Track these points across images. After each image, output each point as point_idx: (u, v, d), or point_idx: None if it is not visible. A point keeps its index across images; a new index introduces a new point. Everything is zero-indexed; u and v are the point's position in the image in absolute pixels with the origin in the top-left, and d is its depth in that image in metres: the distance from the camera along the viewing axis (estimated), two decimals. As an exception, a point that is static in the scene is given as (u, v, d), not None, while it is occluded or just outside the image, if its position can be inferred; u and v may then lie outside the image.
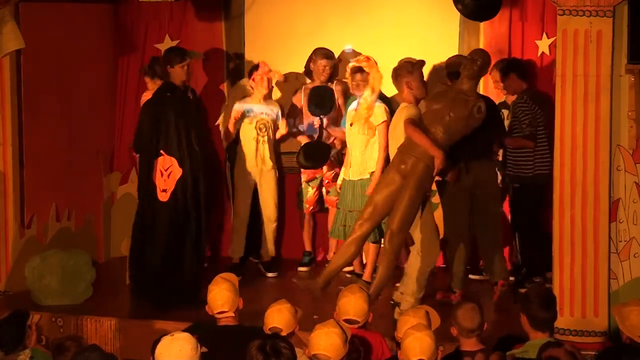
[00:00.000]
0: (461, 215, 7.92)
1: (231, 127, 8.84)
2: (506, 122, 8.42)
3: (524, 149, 8.26)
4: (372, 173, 8.19)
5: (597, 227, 6.93)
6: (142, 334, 7.16)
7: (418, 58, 7.92)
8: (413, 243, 7.58)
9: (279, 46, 9.31)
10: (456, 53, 8.77)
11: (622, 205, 6.97)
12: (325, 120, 8.71)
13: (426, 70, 7.91)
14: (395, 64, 7.86)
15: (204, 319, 5.90)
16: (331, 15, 9.23)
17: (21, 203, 8.55)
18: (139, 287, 8.11)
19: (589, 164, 6.91)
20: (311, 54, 8.94)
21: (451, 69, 8.32)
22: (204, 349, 4.80)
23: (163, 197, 7.96)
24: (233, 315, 5.69)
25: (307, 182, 9.01)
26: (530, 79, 8.56)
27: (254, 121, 8.78)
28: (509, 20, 8.80)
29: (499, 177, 8.43)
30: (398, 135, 7.53)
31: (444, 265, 8.63)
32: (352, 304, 5.72)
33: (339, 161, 8.82)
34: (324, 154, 8.70)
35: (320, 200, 9.07)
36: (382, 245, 7.79)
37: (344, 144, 8.70)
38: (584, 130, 6.90)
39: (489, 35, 8.86)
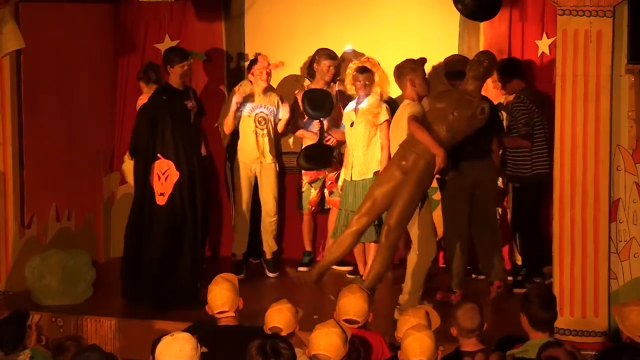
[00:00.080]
0: (461, 215, 7.92)
1: (226, 129, 8.81)
2: (504, 123, 8.42)
3: (521, 149, 8.27)
4: (375, 173, 8.20)
5: (597, 227, 6.93)
6: (142, 334, 7.17)
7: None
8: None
9: (279, 46, 9.31)
10: (456, 53, 8.79)
11: (622, 205, 6.97)
12: (325, 123, 8.72)
13: (426, 70, 7.90)
14: (394, 64, 7.85)
15: (204, 319, 5.90)
16: (331, 16, 9.23)
17: (21, 203, 8.55)
18: (133, 290, 8.09)
19: (589, 164, 6.91)
20: (314, 55, 8.94)
21: (450, 68, 8.33)
22: (204, 349, 4.80)
23: (160, 200, 7.97)
24: (233, 315, 5.69)
25: (310, 183, 9.00)
26: (528, 78, 8.57)
27: (252, 114, 8.78)
28: (509, 20, 8.80)
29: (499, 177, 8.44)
30: (400, 132, 7.53)
31: (444, 265, 8.63)
32: (352, 304, 5.72)
33: (339, 161, 8.82)
34: (327, 155, 8.70)
35: (321, 201, 9.07)
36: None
37: (340, 144, 8.70)
38: (584, 130, 6.90)
39: (489, 35, 8.87)
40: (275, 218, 8.95)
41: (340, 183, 8.72)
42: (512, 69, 8.41)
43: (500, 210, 8.71)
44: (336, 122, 8.80)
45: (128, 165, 8.55)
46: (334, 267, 8.93)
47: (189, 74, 8.66)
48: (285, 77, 9.30)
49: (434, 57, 8.57)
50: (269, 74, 8.79)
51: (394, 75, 7.74)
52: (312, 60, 8.98)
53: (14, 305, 7.14)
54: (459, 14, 8.23)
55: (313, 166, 8.77)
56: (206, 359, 4.83)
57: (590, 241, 6.94)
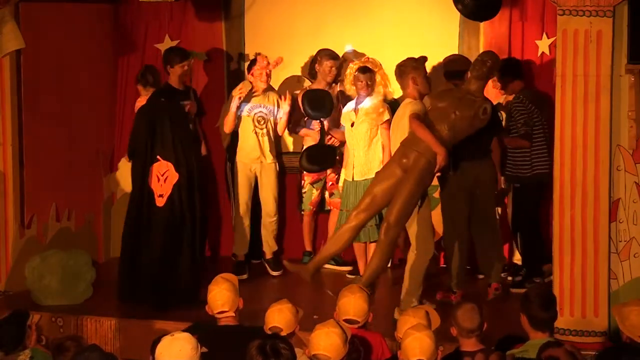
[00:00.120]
0: (461, 214, 7.92)
1: (227, 129, 8.80)
2: (502, 123, 8.42)
3: (521, 149, 8.28)
4: (377, 173, 8.20)
5: (597, 227, 6.93)
6: (142, 334, 7.17)
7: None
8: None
9: (279, 46, 9.30)
10: (456, 53, 8.78)
11: (622, 205, 6.96)
12: (326, 123, 8.72)
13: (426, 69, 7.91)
14: (394, 64, 7.85)
15: (204, 319, 5.90)
16: (331, 16, 9.23)
17: (21, 203, 8.55)
18: (131, 291, 8.09)
19: (589, 164, 6.91)
20: (315, 55, 8.94)
21: (449, 68, 8.33)
22: (204, 349, 4.80)
23: (160, 202, 7.98)
24: (233, 315, 5.69)
25: (312, 184, 8.99)
26: (528, 78, 8.57)
27: (252, 114, 8.77)
28: (509, 20, 8.80)
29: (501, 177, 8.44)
30: (401, 130, 7.52)
31: (444, 265, 8.63)
32: (352, 304, 5.72)
33: (340, 161, 8.81)
34: (330, 156, 8.70)
35: (321, 201, 9.07)
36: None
37: (342, 144, 8.70)
38: (584, 130, 6.90)
39: (489, 35, 8.87)
40: (275, 218, 8.95)
41: (340, 184, 8.72)
42: (512, 69, 8.41)
43: (500, 210, 8.72)
44: (337, 123, 8.80)
45: (122, 172, 8.53)
46: (334, 267, 8.99)
47: (190, 74, 8.66)
48: (286, 78, 9.29)
49: (434, 57, 8.57)
50: (268, 75, 8.78)
51: (395, 74, 7.74)
52: (313, 61, 8.97)
53: (14, 305, 7.14)
54: (459, 14, 8.24)
55: (316, 167, 8.77)
56: (206, 359, 4.83)
57: (590, 241, 6.94)
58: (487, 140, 7.86)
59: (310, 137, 8.88)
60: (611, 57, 6.83)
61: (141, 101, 8.88)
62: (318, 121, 8.73)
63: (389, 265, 8.95)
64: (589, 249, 6.94)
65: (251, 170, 8.86)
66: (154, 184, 7.99)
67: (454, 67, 8.27)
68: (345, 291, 5.83)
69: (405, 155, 7.36)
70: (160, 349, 4.71)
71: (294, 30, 9.33)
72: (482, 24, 8.76)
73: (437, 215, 8.06)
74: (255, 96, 8.81)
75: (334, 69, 8.83)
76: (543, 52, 8.73)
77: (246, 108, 8.78)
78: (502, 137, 8.24)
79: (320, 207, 9.10)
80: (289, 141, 9.27)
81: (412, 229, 7.51)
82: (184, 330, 5.09)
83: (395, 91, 8.45)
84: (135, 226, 8.10)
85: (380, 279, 8.59)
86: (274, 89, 9.00)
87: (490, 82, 8.58)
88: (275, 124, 8.90)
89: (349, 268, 8.85)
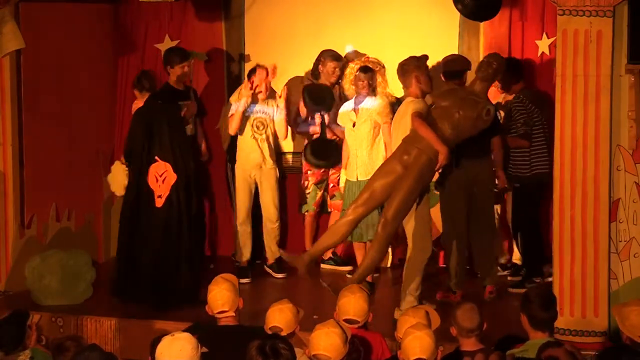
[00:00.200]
0: (460, 214, 7.92)
1: (232, 131, 8.79)
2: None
3: (521, 149, 8.28)
4: None
5: (597, 227, 6.93)
6: (142, 334, 7.16)
7: (419, 57, 7.93)
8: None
9: (279, 46, 9.31)
10: (456, 53, 8.78)
11: (622, 205, 6.96)
12: (326, 117, 8.72)
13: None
14: (395, 64, 7.85)
15: (204, 319, 5.89)
16: (331, 16, 9.23)
17: (21, 203, 8.56)
18: (127, 290, 8.08)
19: (589, 164, 6.91)
20: (319, 56, 8.93)
21: (448, 68, 8.32)
22: (205, 349, 4.80)
23: (158, 202, 7.97)
24: (233, 315, 5.68)
25: (316, 184, 8.99)
26: (528, 78, 8.57)
27: (251, 119, 8.75)
28: (509, 20, 8.80)
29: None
30: (403, 129, 7.52)
31: (444, 265, 8.63)
32: (352, 304, 5.72)
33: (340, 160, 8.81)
34: (334, 152, 8.69)
35: (322, 202, 9.06)
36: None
37: (341, 141, 8.71)
38: (584, 130, 6.90)
39: (489, 35, 8.87)
40: (277, 224, 8.88)
41: (341, 184, 8.71)
42: (510, 69, 8.41)
43: (499, 209, 8.72)
44: (336, 119, 8.79)
45: (114, 175, 8.52)
46: (334, 267, 8.99)
47: (190, 74, 8.66)
48: (289, 79, 9.26)
49: (434, 57, 8.55)
50: (267, 87, 8.73)
51: (397, 72, 7.72)
52: (317, 62, 8.95)
53: (14, 305, 7.15)
54: (459, 14, 8.24)
55: (322, 163, 8.77)
56: (206, 359, 4.83)
57: (590, 241, 6.94)
58: (484, 139, 7.85)
59: (318, 134, 8.87)
60: (611, 57, 6.83)
61: (138, 103, 8.89)
62: (319, 114, 8.73)
63: (388, 265, 8.99)
64: (589, 249, 6.94)
65: (251, 176, 8.81)
66: (152, 185, 7.98)
67: (453, 67, 8.27)
68: (345, 291, 5.83)
69: (406, 152, 7.36)
70: (160, 349, 4.70)
71: (294, 30, 9.33)
72: (482, 24, 8.76)
73: (436, 212, 8.06)
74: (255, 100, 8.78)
75: (337, 69, 8.83)
76: (543, 52, 8.73)
77: (252, 109, 8.72)
78: (505, 136, 8.24)
79: (322, 208, 9.09)
80: (289, 140, 9.24)
81: (410, 225, 7.50)
82: (184, 330, 5.09)
83: (396, 91, 8.44)
84: (130, 226, 8.09)
85: (380, 278, 8.63)
86: (274, 93, 8.93)
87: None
88: (275, 132, 8.84)
89: (349, 268, 8.85)
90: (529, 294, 5.55)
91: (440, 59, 8.58)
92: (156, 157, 7.98)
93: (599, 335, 6.92)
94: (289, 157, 9.32)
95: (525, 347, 5.34)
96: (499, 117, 8.32)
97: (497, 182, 8.20)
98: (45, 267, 8.20)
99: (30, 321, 5.99)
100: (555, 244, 7.05)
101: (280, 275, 8.85)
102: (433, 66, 8.63)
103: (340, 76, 8.86)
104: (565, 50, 6.91)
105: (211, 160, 9.43)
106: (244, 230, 8.84)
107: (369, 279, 8.04)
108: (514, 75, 8.38)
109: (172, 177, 7.96)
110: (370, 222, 7.94)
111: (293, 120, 8.99)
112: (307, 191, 9.02)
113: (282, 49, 9.29)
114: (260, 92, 8.67)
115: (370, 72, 8.39)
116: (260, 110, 8.76)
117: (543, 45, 8.71)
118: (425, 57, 7.73)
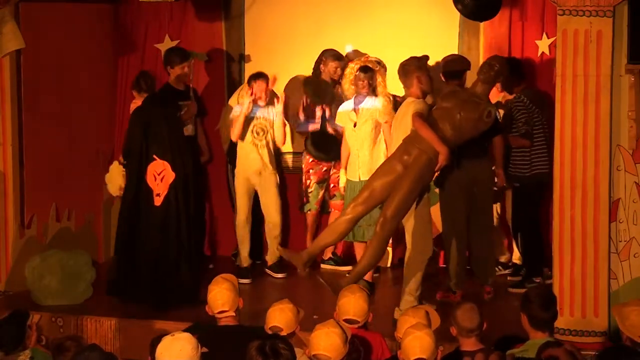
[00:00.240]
0: (460, 213, 7.92)
1: (234, 137, 8.76)
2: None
3: (521, 149, 8.28)
4: None
5: (597, 227, 6.93)
6: (142, 334, 7.16)
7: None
8: None
9: (279, 46, 9.31)
10: (456, 53, 8.78)
11: (622, 205, 6.97)
12: (327, 111, 8.73)
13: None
14: (395, 64, 7.85)
15: (204, 319, 5.90)
16: (331, 16, 9.23)
17: (21, 203, 8.56)
18: (125, 289, 8.08)
19: (589, 164, 6.91)
20: (320, 56, 8.92)
21: (447, 68, 8.33)
22: (205, 349, 4.80)
23: (157, 201, 7.97)
24: (233, 315, 5.68)
25: (318, 183, 8.98)
26: (528, 78, 8.57)
27: (251, 125, 8.72)
28: (509, 20, 8.80)
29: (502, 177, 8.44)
30: (403, 129, 7.51)
31: (444, 265, 8.63)
32: (352, 304, 5.72)
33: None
34: (334, 146, 8.70)
35: (322, 201, 9.06)
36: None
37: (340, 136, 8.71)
38: (584, 130, 6.90)
39: (489, 35, 8.87)
40: (280, 230, 8.86)
41: (341, 185, 8.71)
42: (510, 69, 8.40)
43: (499, 209, 8.72)
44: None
45: (111, 175, 8.52)
46: (334, 267, 8.99)
47: (190, 74, 8.66)
48: (290, 79, 9.25)
49: (434, 57, 8.54)
50: (267, 96, 8.71)
51: (398, 73, 7.71)
52: (318, 61, 8.95)
53: (14, 305, 7.14)
54: (459, 14, 8.24)
55: (323, 155, 8.77)
56: (206, 359, 4.83)
57: (590, 241, 6.94)
58: (484, 139, 7.85)
59: (318, 130, 8.87)
60: (611, 57, 6.83)
61: (136, 103, 8.89)
62: (320, 107, 8.73)
63: (388, 265, 8.99)
64: (589, 249, 6.94)
65: (251, 182, 8.79)
66: (151, 183, 7.98)
67: (452, 67, 8.27)
68: (345, 291, 5.83)
69: (407, 151, 7.35)
70: (160, 349, 4.70)
71: (294, 30, 9.33)
72: (482, 24, 8.76)
73: (436, 212, 8.06)
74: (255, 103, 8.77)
75: (339, 69, 8.83)
76: (543, 52, 8.73)
77: (253, 113, 8.68)
78: (507, 136, 8.24)
79: (323, 208, 9.09)
80: (288, 141, 9.22)
81: (409, 224, 7.50)
82: (184, 330, 5.09)
83: (396, 90, 8.44)
84: (128, 226, 8.09)
85: (380, 278, 8.62)
86: (273, 99, 8.90)
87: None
88: (274, 138, 8.82)
89: (348, 268, 8.83)
90: (529, 294, 5.56)
91: (440, 59, 8.58)
92: (154, 156, 7.98)
93: (599, 335, 6.93)
94: (289, 157, 9.31)
95: (525, 347, 5.34)
96: (499, 117, 8.33)
97: (496, 180, 8.21)
98: (45, 267, 8.20)
99: (30, 321, 5.99)
100: (555, 244, 7.05)
101: (280, 275, 8.83)
102: (433, 66, 8.65)
103: (341, 76, 8.86)
104: (565, 50, 6.91)
105: (211, 160, 9.44)
106: (245, 236, 8.82)
107: (369, 279, 8.05)
108: (516, 77, 8.38)
109: (170, 176, 7.96)
110: (372, 221, 7.94)
111: (293, 120, 8.99)
112: (310, 190, 9.01)
113: (282, 49, 9.29)
114: (260, 98, 8.65)
115: (370, 72, 8.39)
116: (261, 116, 8.73)
117: (543, 45, 8.71)
118: (426, 58, 7.73)
